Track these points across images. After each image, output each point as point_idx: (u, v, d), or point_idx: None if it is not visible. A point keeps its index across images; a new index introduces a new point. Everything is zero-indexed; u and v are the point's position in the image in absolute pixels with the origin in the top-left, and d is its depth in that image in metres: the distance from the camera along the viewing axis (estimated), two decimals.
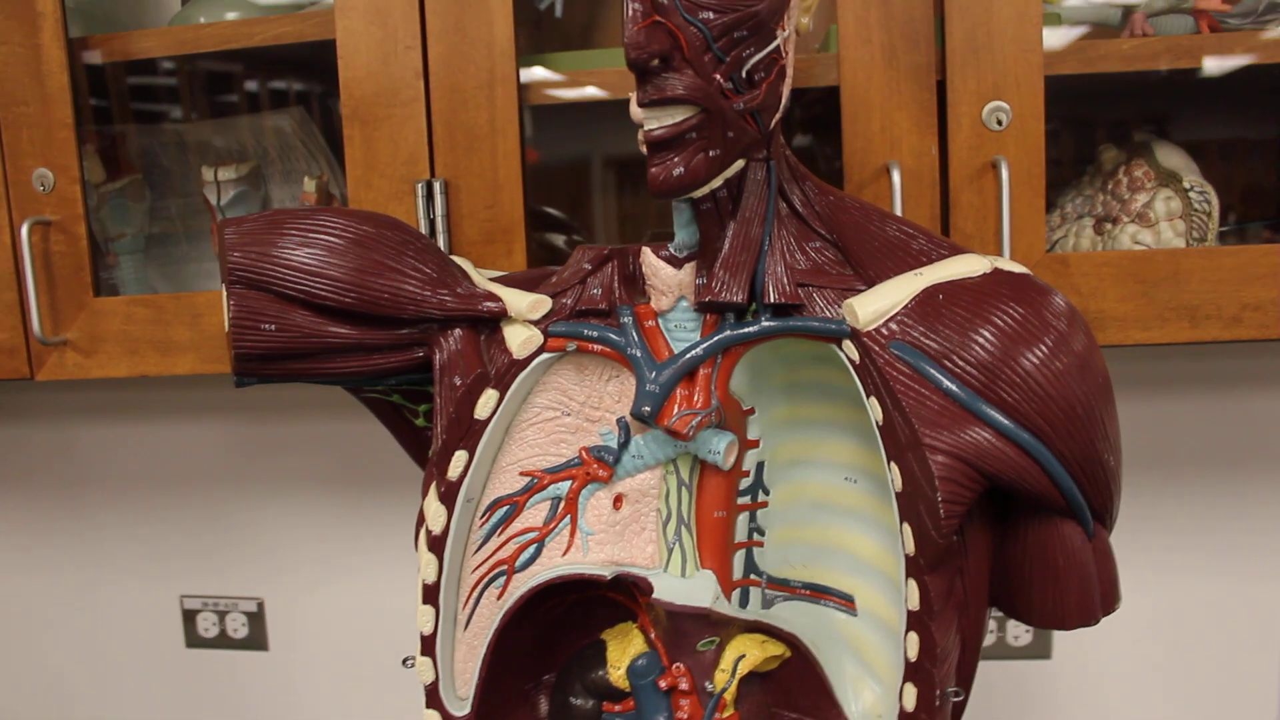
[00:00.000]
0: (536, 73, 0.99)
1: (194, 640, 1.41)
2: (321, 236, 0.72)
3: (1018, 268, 0.69)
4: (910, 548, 0.66)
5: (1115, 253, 0.95)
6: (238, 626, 1.40)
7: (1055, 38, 0.94)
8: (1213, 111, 1.17)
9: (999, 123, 0.90)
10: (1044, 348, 0.64)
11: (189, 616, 1.41)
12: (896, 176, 0.89)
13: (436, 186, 0.96)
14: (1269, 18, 0.97)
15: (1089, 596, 0.69)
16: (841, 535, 0.78)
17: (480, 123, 0.96)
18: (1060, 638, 1.27)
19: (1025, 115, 0.90)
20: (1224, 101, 1.14)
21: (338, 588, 1.38)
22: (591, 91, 0.99)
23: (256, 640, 1.40)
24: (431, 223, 0.96)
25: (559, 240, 1.19)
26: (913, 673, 0.67)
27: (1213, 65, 0.95)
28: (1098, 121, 1.19)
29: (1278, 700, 1.24)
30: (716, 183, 0.66)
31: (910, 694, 0.67)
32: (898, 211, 0.88)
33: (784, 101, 0.67)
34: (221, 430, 1.38)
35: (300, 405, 1.35)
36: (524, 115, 0.96)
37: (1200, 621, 1.24)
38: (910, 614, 0.67)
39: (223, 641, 1.41)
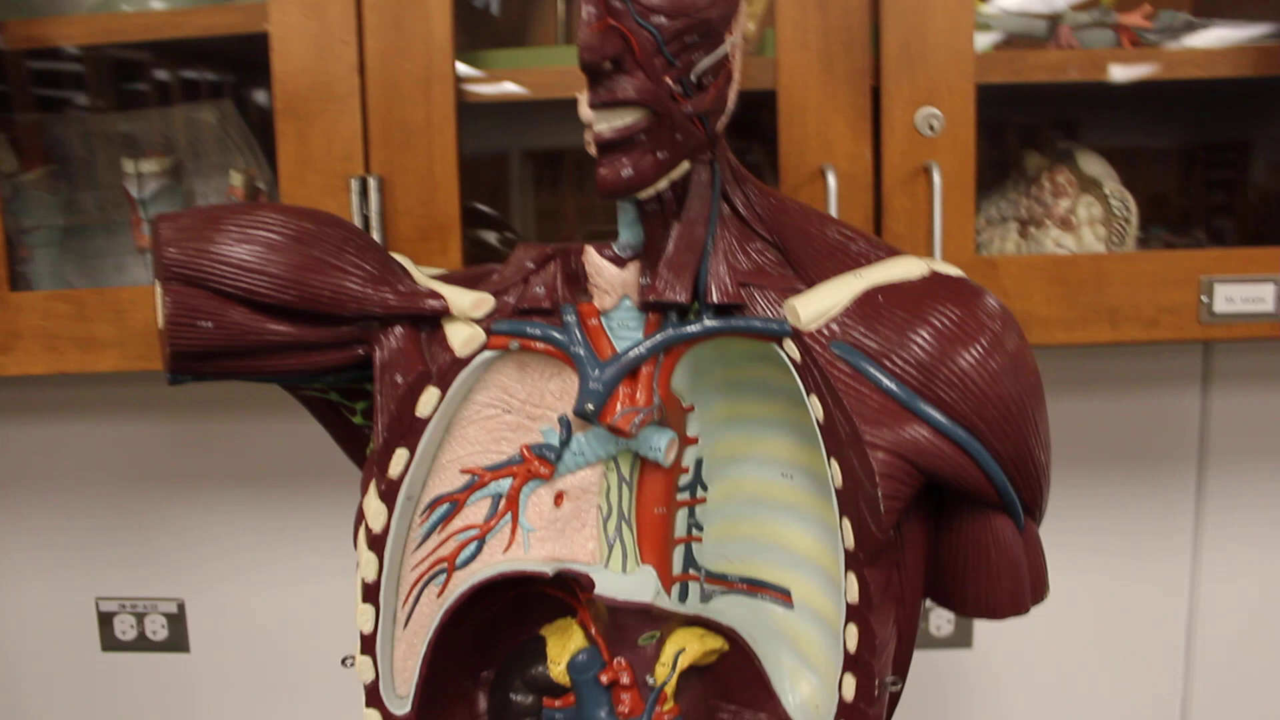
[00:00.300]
0: (468, 70, 0.98)
1: (110, 643, 1.37)
2: (260, 233, 0.71)
3: (954, 271, 0.71)
4: (850, 542, 0.68)
5: (1041, 256, 0.98)
6: (157, 628, 1.36)
7: (983, 45, 0.97)
8: (1125, 121, 1.21)
9: (931, 128, 0.92)
10: (980, 348, 0.66)
11: (105, 619, 1.36)
12: (832, 179, 0.90)
13: (371, 183, 0.94)
14: (1185, 34, 1.01)
15: (1020, 587, 0.71)
16: (778, 530, 0.79)
17: (417, 119, 0.95)
18: (981, 628, 1.30)
19: (957, 122, 0.92)
20: (1136, 111, 1.18)
21: (261, 587, 1.35)
22: (518, 90, 0.99)
23: (177, 642, 1.36)
24: (365, 219, 0.95)
25: (491, 237, 1.18)
26: (852, 663, 0.69)
27: (1126, 77, 0.98)
28: (1018, 128, 1.22)
29: (1182, 685, 1.29)
30: (662, 184, 0.67)
31: (850, 684, 0.69)
32: (833, 214, 0.89)
33: (729, 105, 0.67)
34: (140, 428, 1.34)
35: (221, 402, 1.32)
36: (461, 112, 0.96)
37: (1113, 611, 1.29)
38: (849, 606, 0.68)
39: (141, 644, 1.37)
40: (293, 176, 0.96)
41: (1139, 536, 1.27)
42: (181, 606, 1.36)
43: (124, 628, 1.37)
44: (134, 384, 1.33)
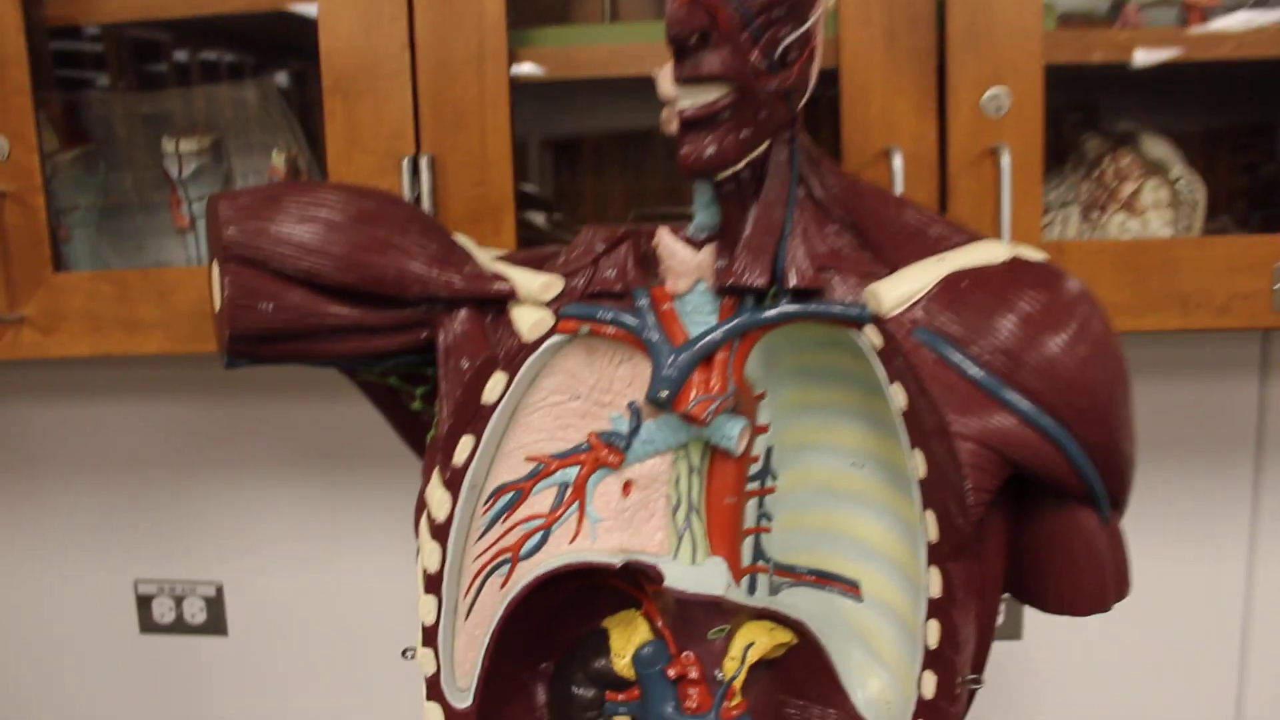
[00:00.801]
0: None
1: (149, 626, 1.37)
2: (321, 212, 0.69)
3: (1037, 255, 0.69)
4: (934, 535, 0.65)
5: (1109, 241, 0.95)
6: (195, 611, 1.36)
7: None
8: (1190, 102, 1.18)
9: (998, 109, 0.90)
10: (1067, 334, 0.64)
11: (144, 601, 1.36)
12: (898, 161, 0.88)
13: (423, 162, 0.92)
14: (1258, 11, 0.97)
15: (1102, 582, 0.69)
16: (847, 520, 0.77)
17: (469, 98, 0.93)
18: (1030, 619, 1.28)
19: (1024, 102, 0.90)
20: (1201, 92, 1.15)
21: (300, 571, 1.34)
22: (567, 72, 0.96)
23: (215, 626, 1.36)
24: (417, 199, 0.93)
25: (539, 219, 1.16)
26: (933, 660, 0.67)
27: (1200, 56, 0.95)
28: (1076, 110, 1.19)
29: (1238, 676, 1.27)
30: (741, 164, 0.64)
31: (930, 682, 0.67)
32: None
33: (811, 83, 0.65)
34: (181, 409, 1.33)
35: (262, 384, 1.31)
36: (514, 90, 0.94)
37: (1166, 602, 1.26)
38: (931, 602, 0.66)
39: (179, 627, 1.36)
40: (341, 156, 0.94)
41: (1194, 526, 1.25)
42: (220, 590, 1.35)
43: (162, 610, 1.36)
44: (175, 365, 1.32)
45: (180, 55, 1.23)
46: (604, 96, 1.17)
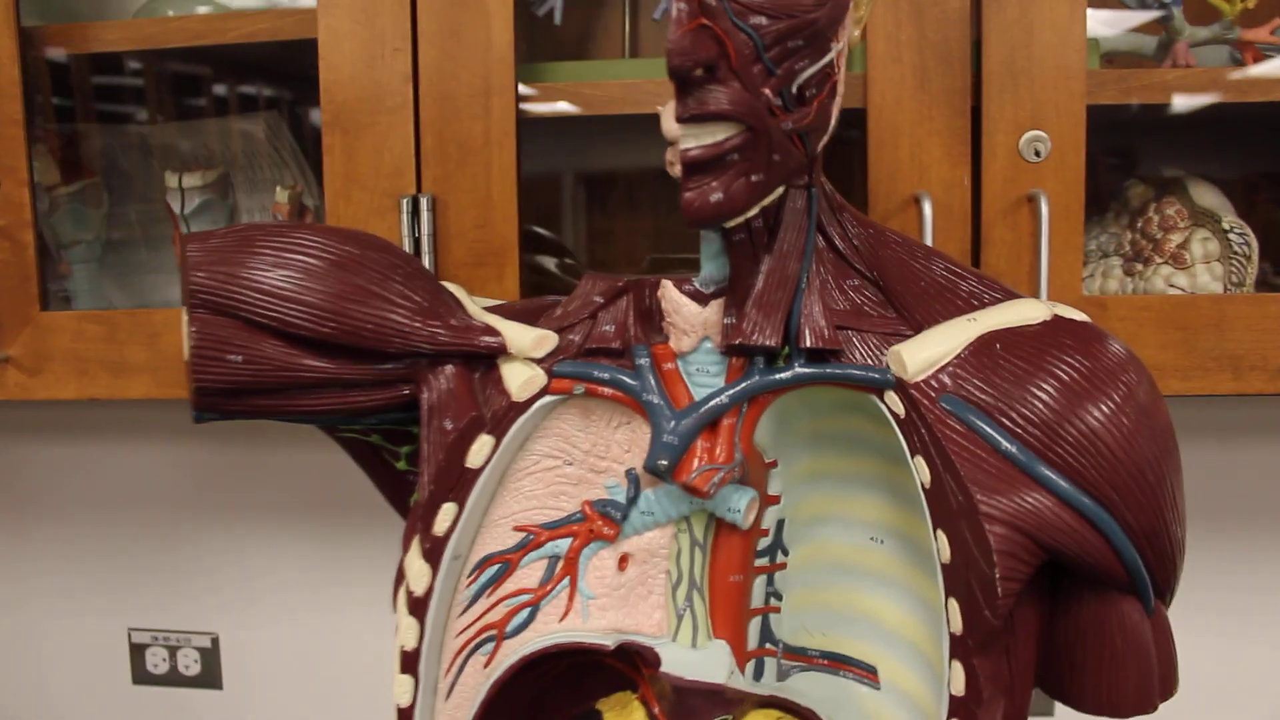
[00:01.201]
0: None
1: (142, 676, 1.33)
2: (298, 257, 0.63)
3: (1079, 315, 0.63)
4: (957, 626, 0.59)
5: (1155, 296, 0.89)
6: (190, 663, 1.32)
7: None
8: (1242, 147, 1.12)
9: (1037, 153, 0.84)
10: (1110, 404, 0.58)
11: (137, 651, 1.32)
12: (928, 208, 0.82)
13: (423, 202, 0.88)
14: None
15: (1148, 680, 0.62)
16: (864, 600, 0.71)
17: (474, 134, 0.88)
18: None
19: (1065, 146, 0.84)
20: (1254, 137, 1.09)
21: (300, 625, 1.29)
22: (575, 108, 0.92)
23: (209, 678, 1.32)
24: (416, 242, 0.88)
25: (550, 263, 1.11)
26: None
27: (1256, 98, 0.89)
28: (1118, 155, 1.13)
29: None
30: (753, 211, 0.58)
31: None
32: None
33: (832, 123, 0.59)
34: (177, 455, 1.29)
35: (262, 430, 1.27)
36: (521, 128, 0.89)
37: (1223, 683, 1.18)
38: (954, 699, 0.60)
39: (173, 679, 1.32)
40: (339, 194, 0.90)
41: (1250, 609, 1.17)
42: (216, 641, 1.31)
43: (156, 660, 1.32)
44: (175, 408, 1.28)
45: (189, 87, 1.20)
46: (618, 133, 1.12)
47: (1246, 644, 1.17)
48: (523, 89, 0.90)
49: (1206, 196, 0.97)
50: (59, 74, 1.13)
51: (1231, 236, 0.93)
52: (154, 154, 1.19)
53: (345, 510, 1.27)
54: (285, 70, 1.14)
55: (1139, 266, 0.98)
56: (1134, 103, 0.88)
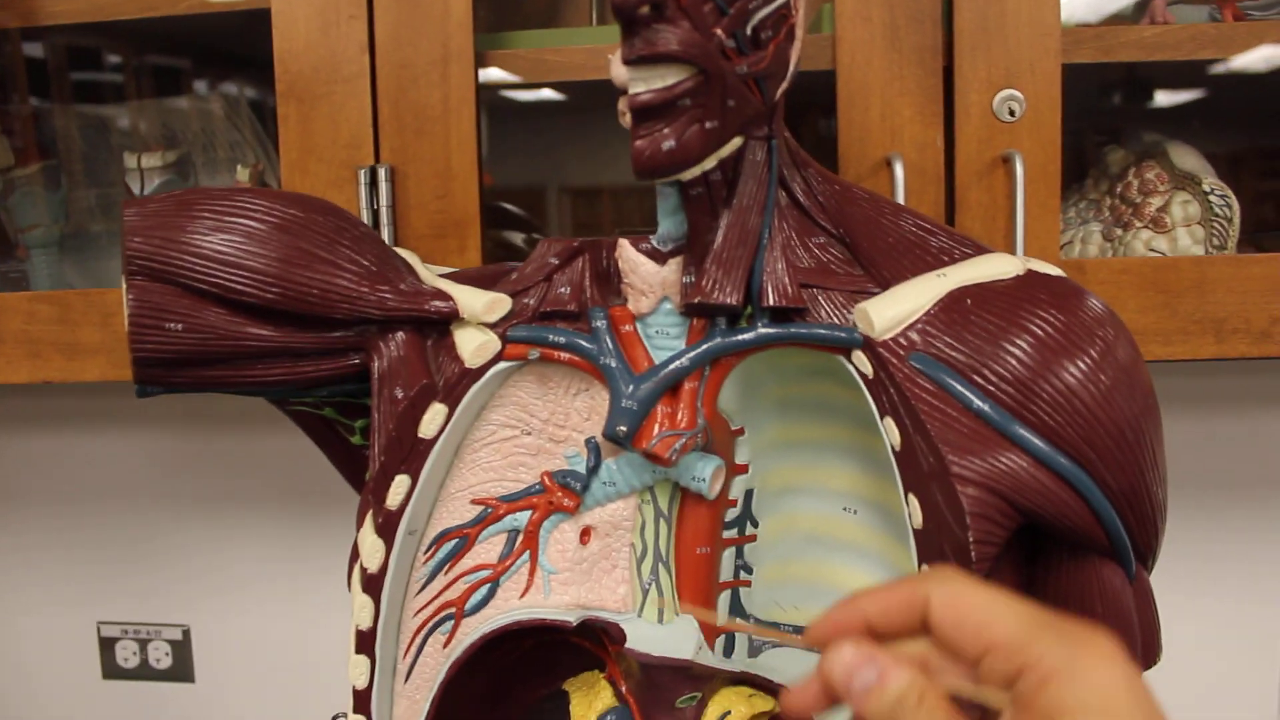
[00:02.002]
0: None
1: (112, 671, 1.30)
2: (240, 221, 0.61)
3: (1054, 270, 0.60)
4: None
5: (1135, 259, 0.87)
6: (161, 656, 1.29)
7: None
8: (1221, 111, 1.10)
9: (1011, 113, 0.81)
10: (1088, 361, 0.55)
11: (106, 644, 1.29)
12: (899, 170, 0.79)
13: (381, 173, 0.85)
14: None
15: (1129, 648, 0.59)
16: (838, 572, 0.68)
17: (432, 103, 0.85)
18: None
19: (1040, 105, 0.81)
20: (1243, 100, 1.07)
21: (271, 615, 1.27)
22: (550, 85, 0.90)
23: (181, 671, 1.29)
24: (375, 213, 0.85)
25: (517, 239, 1.09)
26: None
27: (1238, 58, 0.87)
28: (1096, 120, 1.11)
29: None
30: (710, 163, 0.56)
31: None
32: None
33: (791, 69, 0.57)
34: (146, 442, 1.26)
35: (232, 418, 1.25)
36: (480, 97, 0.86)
37: (1208, 658, 1.16)
38: None
39: (144, 672, 1.29)
40: (295, 166, 0.87)
41: (1232, 577, 1.15)
42: (187, 633, 1.29)
43: (126, 654, 1.30)
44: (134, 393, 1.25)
45: (143, 64, 1.17)
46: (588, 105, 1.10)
47: (1230, 617, 1.16)
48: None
49: (1187, 159, 0.95)
50: (15, 50, 1.10)
51: (1212, 199, 0.91)
52: (113, 135, 1.17)
53: (317, 499, 1.24)
54: (243, 47, 1.11)
55: (1118, 232, 0.95)
56: (1114, 60, 0.86)
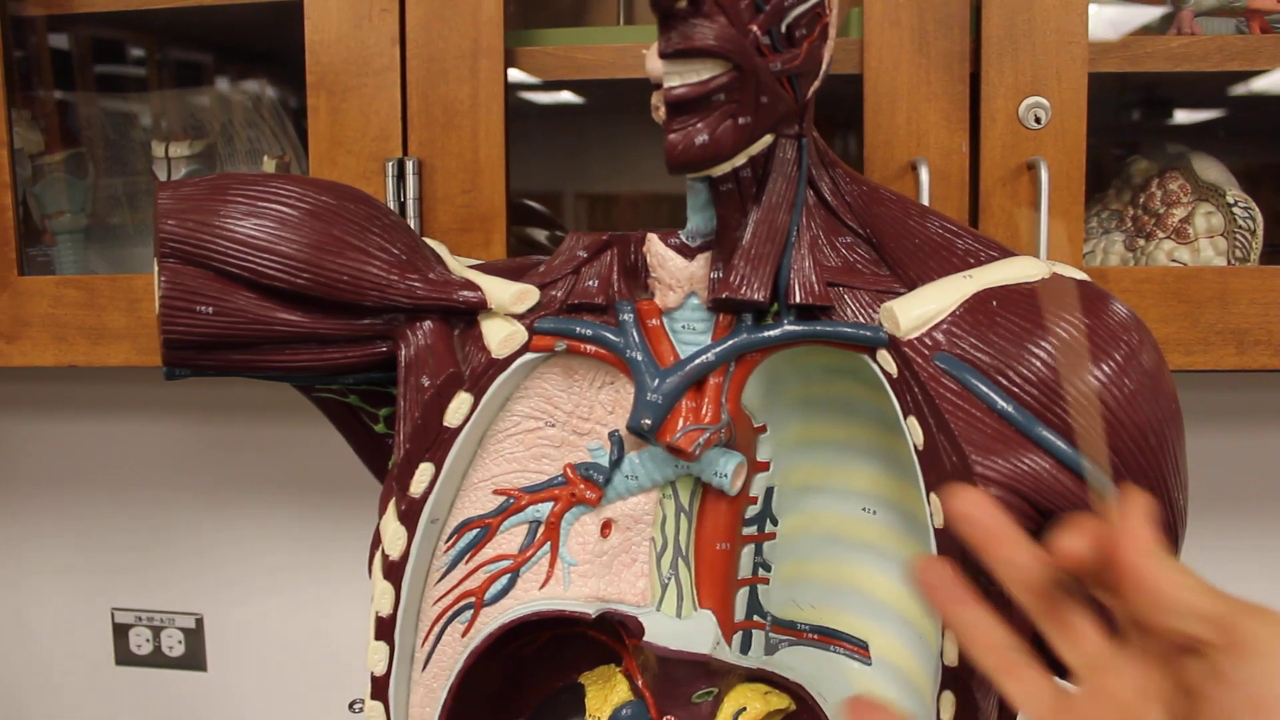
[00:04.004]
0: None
1: (125, 657, 1.30)
2: (273, 206, 0.61)
3: (1078, 274, 0.60)
4: None
5: (1158, 269, 0.87)
6: (174, 644, 1.29)
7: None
8: (1247, 125, 1.10)
9: (1037, 120, 0.82)
10: (1112, 365, 0.55)
11: (120, 631, 1.30)
12: (924, 175, 0.80)
13: (409, 166, 0.86)
14: None
15: None
16: (856, 573, 0.68)
17: (461, 97, 0.86)
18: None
19: (1066, 113, 0.82)
20: (1266, 116, 1.07)
21: (284, 604, 1.27)
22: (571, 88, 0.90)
23: (194, 660, 1.29)
24: (402, 206, 0.86)
25: (541, 235, 1.09)
26: None
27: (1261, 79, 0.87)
28: (1121, 133, 1.11)
29: None
30: (741, 159, 0.56)
31: None
32: None
33: (824, 68, 0.57)
34: (164, 431, 1.27)
35: (250, 404, 1.25)
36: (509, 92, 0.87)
37: None
38: (947, 671, 0.57)
39: (157, 659, 1.30)
40: (323, 157, 0.88)
41: (1251, 591, 1.14)
42: (200, 622, 1.29)
43: (139, 641, 1.30)
44: (153, 381, 1.26)
45: (167, 57, 1.17)
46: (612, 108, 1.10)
47: None
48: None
49: (1211, 171, 0.95)
50: (35, 37, 1.10)
51: (1236, 210, 0.91)
52: (141, 124, 1.17)
53: (332, 488, 1.25)
54: (273, 39, 1.12)
55: (1140, 242, 0.95)
56: (1141, 70, 0.86)
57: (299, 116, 1.09)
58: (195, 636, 1.29)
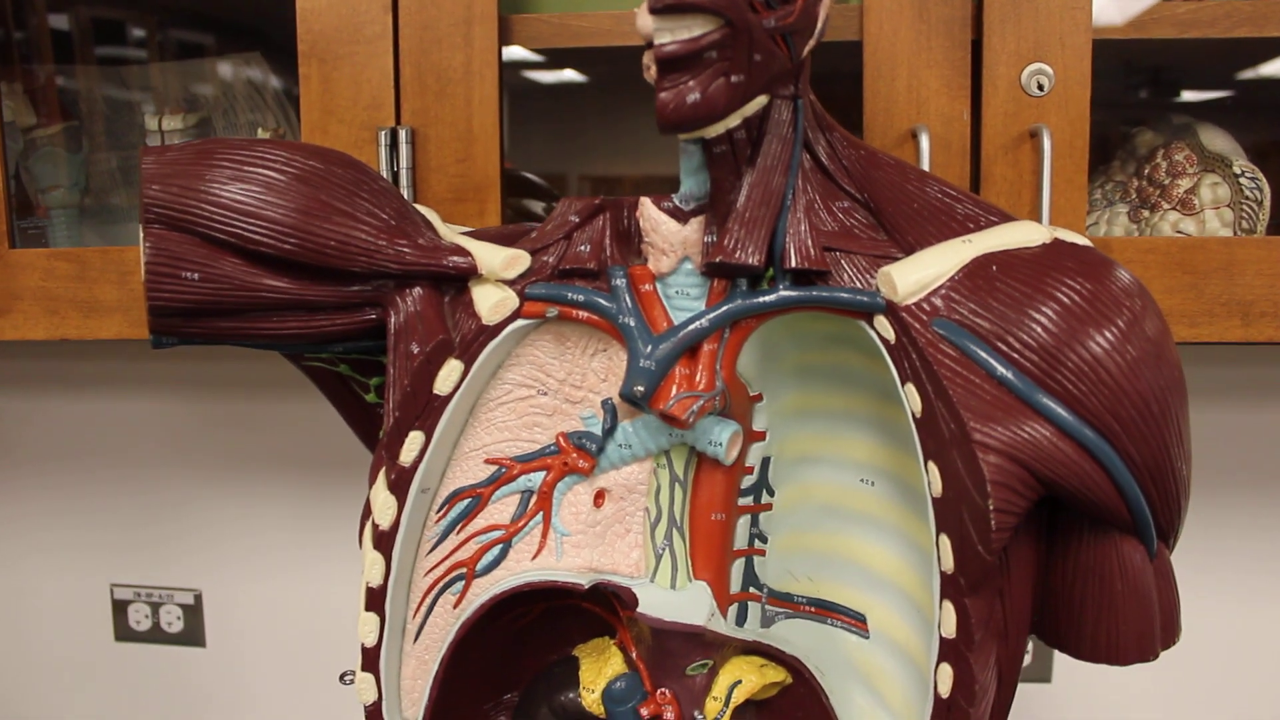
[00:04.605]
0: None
1: (124, 633, 1.30)
2: (259, 171, 0.60)
3: (1082, 239, 0.59)
4: (948, 564, 0.56)
5: (1162, 239, 0.85)
6: (173, 620, 1.29)
7: None
8: (1259, 101, 1.08)
9: (1040, 87, 0.80)
10: (1115, 331, 0.54)
11: (119, 607, 1.29)
12: (925, 142, 0.78)
13: (402, 135, 0.84)
14: None
15: (1149, 627, 0.59)
16: (854, 545, 0.68)
17: (454, 65, 0.84)
18: (1061, 660, 1.17)
19: (1069, 80, 0.80)
20: (1273, 90, 1.05)
21: (283, 580, 1.27)
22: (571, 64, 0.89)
23: (193, 635, 1.29)
24: (395, 175, 0.85)
25: (537, 207, 1.08)
26: (944, 711, 0.57)
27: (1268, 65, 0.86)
28: (1126, 108, 1.10)
29: None
30: (734, 120, 0.55)
31: None
32: None
33: (819, 27, 0.56)
34: (162, 406, 1.26)
35: (249, 379, 1.24)
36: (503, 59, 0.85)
37: (1221, 651, 1.15)
38: (944, 642, 0.57)
39: (156, 635, 1.29)
40: (315, 126, 0.86)
41: (1251, 564, 1.14)
42: (199, 598, 1.29)
43: (138, 617, 1.30)
44: (155, 357, 1.25)
45: (166, 36, 1.16)
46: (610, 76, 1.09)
47: (1254, 604, 1.14)
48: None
49: (1217, 141, 0.94)
50: (27, 10, 1.09)
51: (1243, 181, 0.90)
52: (134, 98, 1.16)
53: (330, 464, 1.24)
54: (266, 11, 1.11)
55: (1145, 213, 0.94)
56: (1147, 36, 0.84)
57: (292, 87, 1.08)
58: (194, 612, 1.28)
